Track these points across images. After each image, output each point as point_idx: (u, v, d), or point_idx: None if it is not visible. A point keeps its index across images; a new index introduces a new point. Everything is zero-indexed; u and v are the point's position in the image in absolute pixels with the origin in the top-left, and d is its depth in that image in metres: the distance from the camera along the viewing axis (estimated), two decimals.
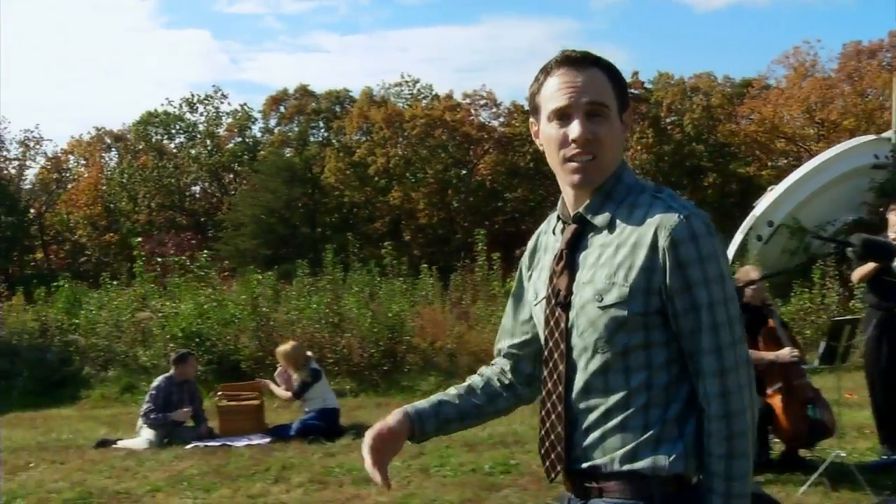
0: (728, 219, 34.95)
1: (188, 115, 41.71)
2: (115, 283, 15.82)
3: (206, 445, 8.49)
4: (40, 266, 40.01)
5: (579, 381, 1.89)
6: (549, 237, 2.07)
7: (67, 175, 42.74)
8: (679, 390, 1.86)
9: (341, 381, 11.63)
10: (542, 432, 1.97)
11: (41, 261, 40.71)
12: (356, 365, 11.93)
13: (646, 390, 1.84)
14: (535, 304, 2.03)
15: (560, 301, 1.91)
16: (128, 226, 39.95)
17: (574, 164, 1.88)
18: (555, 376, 1.93)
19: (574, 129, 1.87)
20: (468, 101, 37.60)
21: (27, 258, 40.10)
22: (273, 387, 9.23)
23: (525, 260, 2.16)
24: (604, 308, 1.83)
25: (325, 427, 8.59)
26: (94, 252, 39.88)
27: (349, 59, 68.17)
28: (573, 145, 1.87)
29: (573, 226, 1.94)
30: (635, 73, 36.59)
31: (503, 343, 2.19)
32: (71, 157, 43.45)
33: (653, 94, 36.67)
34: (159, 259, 14.86)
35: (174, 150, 42.22)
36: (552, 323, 1.94)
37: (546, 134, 1.94)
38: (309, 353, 9.33)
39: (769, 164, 35.00)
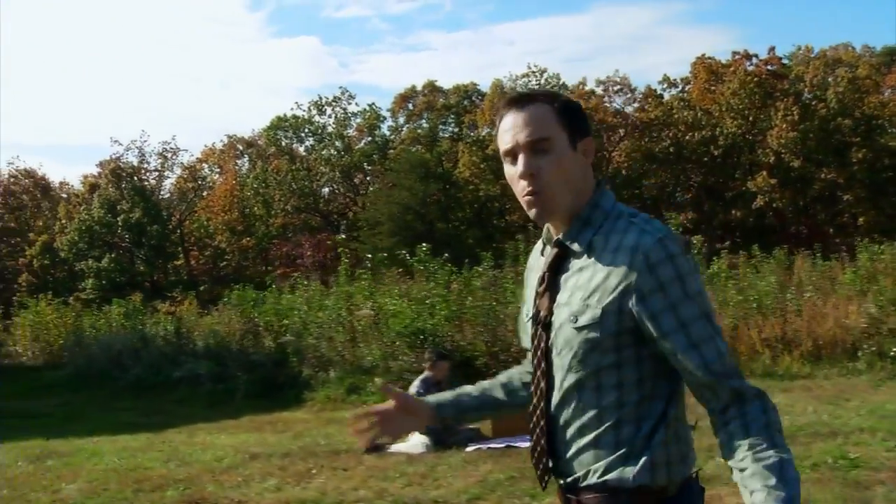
0: (881, 195, 33.59)
1: (317, 118, 41.99)
2: (305, 282, 15.75)
3: (489, 448, 8.14)
4: (181, 272, 40.95)
5: (556, 397, 1.98)
6: (537, 257, 2.14)
7: (203, 183, 43.56)
8: (651, 407, 1.92)
9: None
10: (532, 442, 2.07)
11: (181, 267, 41.64)
12: None
13: (617, 408, 1.91)
14: (526, 321, 2.11)
15: (541, 321, 2.00)
16: (263, 230, 40.61)
17: (527, 199, 1.96)
18: (538, 391, 2.02)
19: (518, 166, 1.95)
20: (602, 87, 36.80)
21: (170, 265, 41.01)
22: None
23: (525, 274, 2.24)
24: (578, 329, 1.90)
25: None
26: (234, 256, 40.57)
27: (457, 56, 68.11)
28: (523, 181, 1.94)
29: (555, 250, 2.01)
30: (771, 49, 35.40)
31: (524, 344, 2.19)
32: (205, 166, 44.28)
33: (792, 70, 35.37)
34: (368, 256, 14.60)
35: (304, 154, 42.64)
36: (535, 341, 2.02)
37: (506, 173, 2.03)
38: None
39: None
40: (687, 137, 35.04)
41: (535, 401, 2.03)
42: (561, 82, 40.39)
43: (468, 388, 2.29)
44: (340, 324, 13.00)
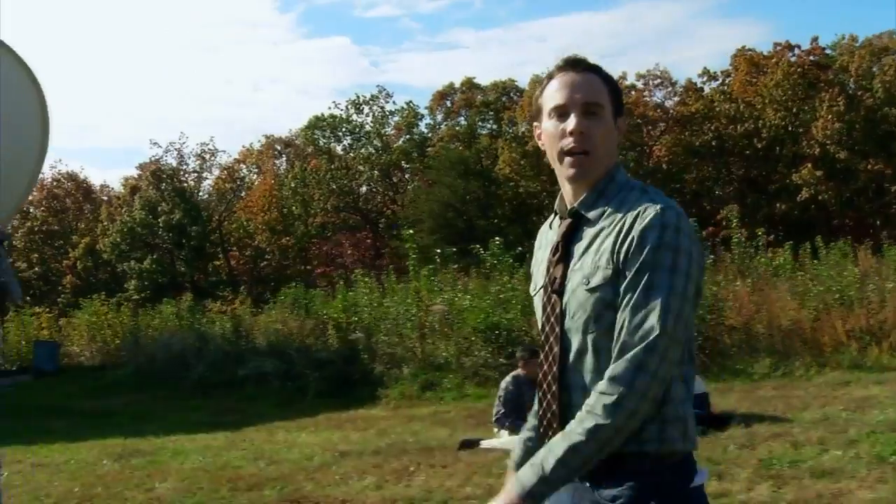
0: None
1: (354, 117, 41.97)
2: (366, 279, 15.71)
3: None
4: (220, 272, 41.04)
5: (572, 361, 2.02)
6: (546, 234, 2.25)
7: (241, 183, 43.69)
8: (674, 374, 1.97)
9: None
10: (540, 412, 2.11)
11: (220, 267, 41.72)
12: None
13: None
14: (534, 294, 2.21)
15: (555, 288, 2.06)
16: (302, 229, 40.62)
17: (570, 159, 2.05)
18: (550, 358, 2.05)
19: (571, 122, 2.04)
20: (642, 81, 36.49)
21: (210, 265, 41.13)
22: None
23: (534, 252, 2.31)
24: (590, 290, 1.97)
25: (705, 414, 8.03)
26: (274, 256, 40.63)
27: (488, 54, 67.87)
28: (570, 138, 2.03)
29: (568, 220, 2.10)
30: (814, 39, 34.93)
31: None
32: (243, 166, 44.39)
33: (836, 60, 34.87)
34: (438, 251, 14.49)
35: (341, 153, 42.63)
36: (548, 309, 2.08)
37: (546, 130, 2.11)
38: None
39: None
40: (728, 130, 34.67)
41: (545, 368, 2.07)
42: None
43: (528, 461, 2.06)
44: (410, 320, 12.92)
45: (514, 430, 8.19)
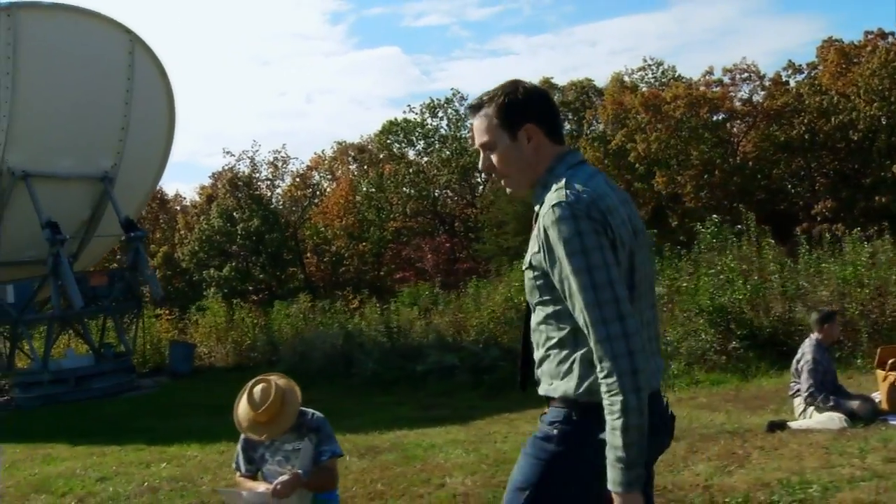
0: None
1: (429, 121, 41.67)
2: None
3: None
4: (296, 279, 40.73)
5: (529, 326, 2.61)
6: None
7: (314, 190, 43.45)
8: (562, 337, 2.45)
9: None
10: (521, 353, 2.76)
11: (295, 274, 41.40)
12: None
13: (558, 334, 2.46)
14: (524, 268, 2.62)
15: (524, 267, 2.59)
16: (377, 234, 40.26)
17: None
18: (524, 315, 2.68)
19: (479, 163, 2.72)
20: (728, 76, 35.85)
21: (286, 273, 40.85)
22: None
23: None
24: (525, 271, 2.55)
25: None
26: (353, 262, 40.31)
27: (538, 59, 67.53)
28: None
29: (536, 211, 2.54)
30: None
31: None
32: (315, 173, 44.16)
33: None
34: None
35: (414, 157, 42.31)
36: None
37: None
38: None
39: None
40: (820, 123, 33.92)
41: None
42: (677, 74, 39.63)
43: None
44: None
45: (827, 406, 7.68)
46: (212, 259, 38.58)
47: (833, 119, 33.33)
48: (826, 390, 7.70)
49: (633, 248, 2.45)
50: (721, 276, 11.44)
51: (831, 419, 7.51)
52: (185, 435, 10.93)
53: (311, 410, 4.73)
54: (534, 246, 2.44)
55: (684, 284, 11.80)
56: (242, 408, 4.99)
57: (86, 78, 17.38)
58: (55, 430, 12.93)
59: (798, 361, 7.99)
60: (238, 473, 5.13)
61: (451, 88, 66.53)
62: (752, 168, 35.41)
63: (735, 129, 36.58)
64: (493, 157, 2.57)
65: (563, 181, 2.41)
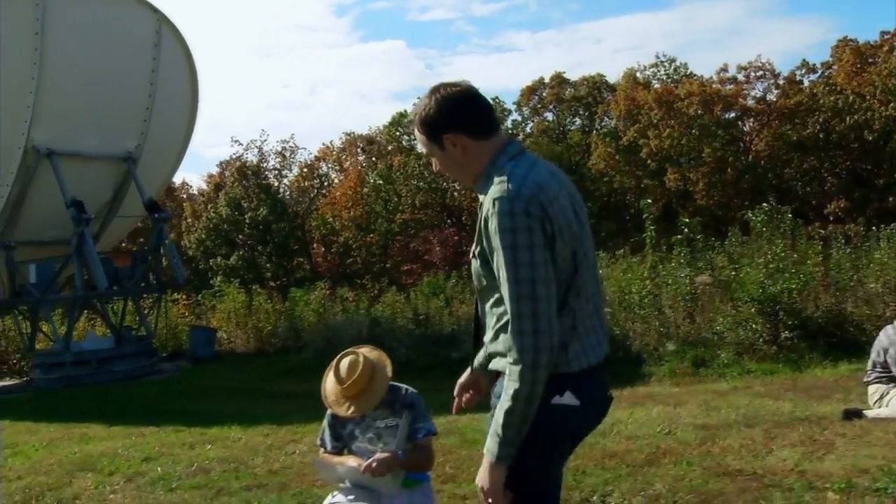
0: None
1: None
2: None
3: None
4: (303, 269, 40.49)
5: (482, 308, 2.85)
6: None
7: (321, 181, 43.24)
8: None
9: None
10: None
11: (301, 264, 41.17)
12: None
13: (502, 315, 2.65)
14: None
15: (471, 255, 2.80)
16: (385, 226, 40.05)
17: None
18: (475, 301, 2.99)
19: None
20: (743, 73, 35.76)
21: (293, 262, 40.63)
22: None
23: None
24: (472, 259, 2.76)
25: None
26: (360, 253, 40.11)
27: (543, 56, 67.37)
28: None
29: (481, 201, 2.73)
30: None
31: None
32: (323, 164, 43.94)
33: None
34: (685, 221, 13.76)
35: (422, 150, 42.07)
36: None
37: None
38: None
39: None
40: (834, 122, 33.82)
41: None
42: (689, 71, 39.54)
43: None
44: (651, 294, 12.26)
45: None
46: (218, 248, 38.37)
47: (848, 119, 33.23)
48: None
49: (574, 232, 2.66)
50: (771, 266, 11.28)
51: None
52: (222, 417, 10.72)
53: (403, 386, 4.45)
54: (478, 234, 2.65)
55: (733, 273, 11.66)
56: (329, 382, 4.74)
57: (112, 57, 17.18)
58: (86, 410, 12.73)
59: (885, 351, 7.73)
60: (322, 450, 4.94)
61: (462, 80, 66.23)
62: (763, 167, 35.31)
63: (747, 128, 36.39)
64: (438, 163, 2.84)
65: (505, 175, 2.58)
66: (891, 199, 32.46)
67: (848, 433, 6.83)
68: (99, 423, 11.26)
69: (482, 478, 2.61)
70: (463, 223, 40.29)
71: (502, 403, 2.52)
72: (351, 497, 4.11)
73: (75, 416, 12.07)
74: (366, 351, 4.78)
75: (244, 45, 76.14)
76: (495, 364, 2.73)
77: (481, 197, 2.68)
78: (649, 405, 9.04)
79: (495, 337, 2.70)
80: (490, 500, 2.61)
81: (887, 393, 7.64)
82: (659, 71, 39.43)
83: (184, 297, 23.50)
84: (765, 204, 13.40)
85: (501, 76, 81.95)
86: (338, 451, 4.81)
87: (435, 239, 38.56)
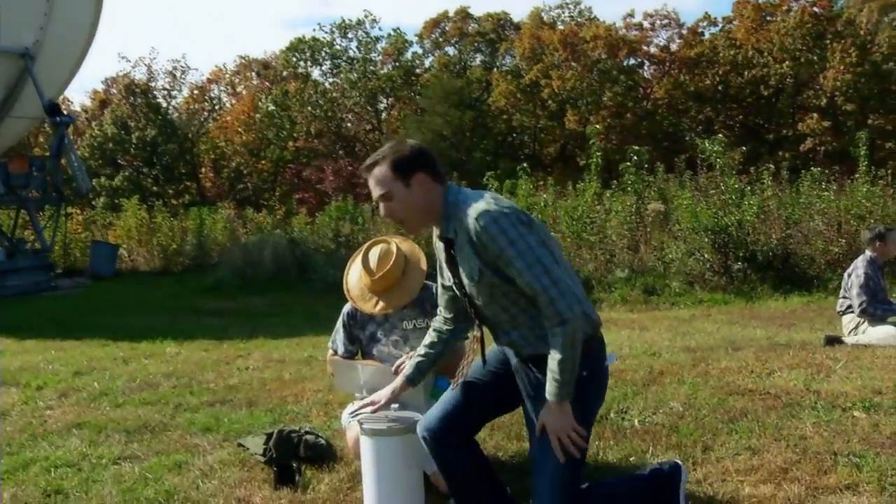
0: None
1: (338, 42, 40.41)
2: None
3: None
4: (191, 192, 38.99)
5: (483, 314, 3.14)
6: (436, 242, 3.21)
7: (212, 104, 41.63)
8: (533, 309, 2.96)
9: None
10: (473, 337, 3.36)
11: (188, 188, 39.65)
12: None
13: (514, 314, 3.04)
14: (449, 284, 3.25)
15: (457, 282, 3.14)
16: (277, 153, 38.92)
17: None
18: (473, 315, 3.21)
19: (380, 210, 3.13)
20: (649, 21, 36.04)
21: (180, 186, 39.11)
22: None
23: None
24: (476, 282, 3.01)
25: None
26: (251, 179, 38.92)
27: None
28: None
29: (444, 242, 3.11)
30: None
31: (441, 300, 3.44)
32: (214, 87, 42.27)
33: (843, 13, 35.01)
34: (635, 149, 13.51)
35: (319, 77, 40.97)
36: (461, 292, 3.16)
37: None
38: None
39: None
40: (731, 76, 34.53)
41: (473, 317, 3.20)
42: (593, 16, 39.60)
43: (421, 352, 3.54)
44: (593, 220, 12.10)
45: (877, 318, 7.59)
46: (102, 168, 36.51)
47: (745, 73, 33.99)
48: (875, 302, 7.62)
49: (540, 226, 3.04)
50: (724, 197, 11.28)
51: (889, 334, 7.40)
52: (150, 332, 10.06)
53: (433, 283, 3.90)
54: (471, 260, 2.95)
55: (684, 203, 11.59)
56: (354, 274, 4.22)
57: None
58: None
59: (849, 276, 7.86)
60: (333, 354, 4.41)
61: (364, 10, 64.62)
62: (661, 114, 35.83)
63: (648, 75, 36.81)
64: (391, 206, 3.04)
65: (471, 200, 2.95)
66: (780, 153, 33.48)
67: (840, 358, 6.76)
68: (6, 336, 10.36)
69: (554, 418, 2.94)
70: (357, 153, 39.55)
71: (553, 356, 2.86)
72: (395, 406, 3.60)
73: None
74: (398, 240, 4.32)
75: None
76: (529, 351, 3.08)
77: (437, 234, 3.14)
78: (614, 329, 8.90)
79: (514, 328, 3.07)
80: (566, 433, 2.94)
81: (863, 322, 7.70)
82: (563, 13, 39.34)
83: (78, 210, 22.13)
84: (719, 135, 13.38)
85: (404, 7, 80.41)
86: (350, 356, 4.35)
87: (329, 168, 37.72)
